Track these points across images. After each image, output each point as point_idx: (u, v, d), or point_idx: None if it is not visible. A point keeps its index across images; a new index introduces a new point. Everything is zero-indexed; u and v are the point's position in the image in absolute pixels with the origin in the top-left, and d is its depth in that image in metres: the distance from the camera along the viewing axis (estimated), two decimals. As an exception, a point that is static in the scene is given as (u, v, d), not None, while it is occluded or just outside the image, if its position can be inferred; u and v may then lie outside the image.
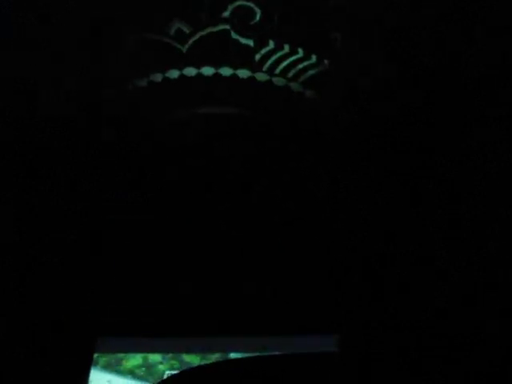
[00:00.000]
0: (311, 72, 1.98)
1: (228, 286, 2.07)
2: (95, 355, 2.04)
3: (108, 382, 1.99)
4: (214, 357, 1.97)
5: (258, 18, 1.87)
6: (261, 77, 2.00)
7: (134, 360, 2.02)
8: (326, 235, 2.10)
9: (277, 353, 0.96)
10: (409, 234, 2.03)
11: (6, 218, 2.14)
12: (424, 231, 2.03)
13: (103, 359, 2.04)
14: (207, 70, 1.98)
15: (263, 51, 1.94)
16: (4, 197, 2.12)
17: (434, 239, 2.01)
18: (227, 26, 1.89)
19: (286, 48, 1.93)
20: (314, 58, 1.95)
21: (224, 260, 2.11)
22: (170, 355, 2.03)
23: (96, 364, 2.02)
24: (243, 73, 1.99)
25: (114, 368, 2.02)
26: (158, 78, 1.99)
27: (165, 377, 1.94)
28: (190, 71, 1.98)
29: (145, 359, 2.02)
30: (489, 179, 1.97)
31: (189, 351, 2.02)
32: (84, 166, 2.20)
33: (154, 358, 2.03)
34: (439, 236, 2.02)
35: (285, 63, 1.96)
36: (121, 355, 2.05)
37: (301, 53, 1.94)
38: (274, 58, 1.96)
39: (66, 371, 1.99)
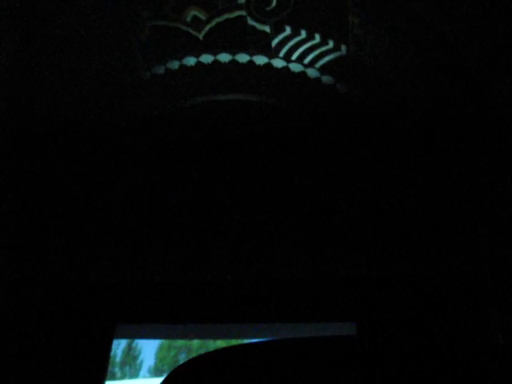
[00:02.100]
0: (328, 58, 1.97)
1: (244, 273, 2.08)
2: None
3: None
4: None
5: (274, 3, 1.86)
6: (277, 63, 1.99)
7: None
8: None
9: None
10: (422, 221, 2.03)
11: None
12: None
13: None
14: (224, 57, 1.98)
15: (280, 37, 1.93)
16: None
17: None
18: (243, 13, 1.88)
19: (303, 34, 1.92)
20: (331, 44, 1.94)
21: (239, 245, 2.11)
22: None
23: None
24: (260, 59, 1.98)
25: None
26: (174, 65, 2.00)
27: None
28: (207, 58, 1.98)
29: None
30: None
31: (210, 337, 2.03)
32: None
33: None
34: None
35: (301, 49, 1.96)
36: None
37: (318, 38, 1.93)
38: (290, 43, 1.95)
39: (86, 358, 2.01)
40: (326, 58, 1.98)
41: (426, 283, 1.95)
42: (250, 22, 1.90)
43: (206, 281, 2.05)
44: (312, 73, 2.01)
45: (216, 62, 1.99)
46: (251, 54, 1.98)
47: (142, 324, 2.09)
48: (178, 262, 2.09)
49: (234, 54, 1.98)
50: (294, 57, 1.98)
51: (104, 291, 2.13)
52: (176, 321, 2.05)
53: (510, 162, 1.95)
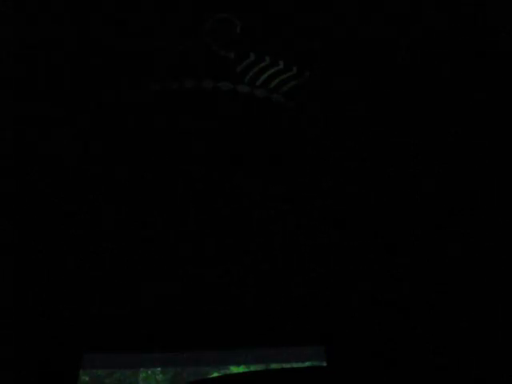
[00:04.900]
0: (292, 83, 2.00)
1: (216, 299, 2.06)
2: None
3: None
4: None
5: (238, 30, 1.89)
6: (242, 88, 2.01)
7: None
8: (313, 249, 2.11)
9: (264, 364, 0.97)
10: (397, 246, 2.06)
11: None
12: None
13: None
14: (189, 83, 1.99)
15: (244, 63, 1.96)
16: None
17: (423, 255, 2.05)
18: (208, 39, 1.90)
19: (267, 60, 1.95)
20: (294, 70, 1.97)
21: (212, 272, 2.10)
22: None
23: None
24: (224, 85, 2.00)
25: None
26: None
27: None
28: (172, 84, 1.99)
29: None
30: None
31: (180, 365, 2.00)
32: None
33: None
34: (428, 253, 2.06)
35: (266, 75, 1.98)
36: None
37: (281, 64, 1.96)
38: (254, 69, 1.97)
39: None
40: (290, 84, 2.00)
41: (389, 299, 1.97)
42: (215, 48, 1.92)
43: (172, 307, 2.03)
44: (276, 98, 2.04)
45: (181, 87, 2.00)
46: (216, 80, 2.00)
47: (111, 353, 2.05)
48: (145, 290, 2.07)
49: (199, 80, 1.99)
50: (258, 82, 2.00)
51: (70, 319, 2.08)
52: (144, 350, 2.02)
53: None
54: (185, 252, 2.14)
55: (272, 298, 2.00)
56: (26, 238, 2.21)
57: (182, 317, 2.05)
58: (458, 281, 1.99)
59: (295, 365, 1.91)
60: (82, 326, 2.07)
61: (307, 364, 1.88)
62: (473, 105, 2.05)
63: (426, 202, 2.13)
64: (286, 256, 2.09)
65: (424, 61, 2.01)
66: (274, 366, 1.91)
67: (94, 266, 2.15)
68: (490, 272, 1.95)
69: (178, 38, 1.91)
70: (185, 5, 1.92)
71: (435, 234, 2.07)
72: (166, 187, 2.20)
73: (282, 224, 2.18)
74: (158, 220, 2.19)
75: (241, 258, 2.11)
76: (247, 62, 1.95)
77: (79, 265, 2.16)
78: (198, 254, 2.13)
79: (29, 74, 2.00)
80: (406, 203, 2.13)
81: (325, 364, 1.83)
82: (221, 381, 0.94)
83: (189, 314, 2.05)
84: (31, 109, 2.05)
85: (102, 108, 2.05)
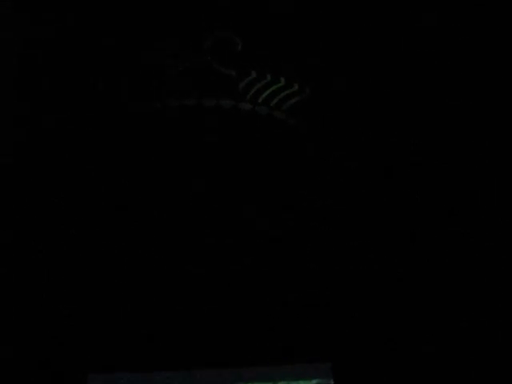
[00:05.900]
0: (293, 100, 2.00)
1: (217, 319, 2.06)
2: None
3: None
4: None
5: (239, 48, 1.89)
6: (244, 106, 2.01)
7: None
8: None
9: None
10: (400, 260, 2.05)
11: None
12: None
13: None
14: (190, 101, 1.99)
15: (246, 81, 1.96)
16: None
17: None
18: (209, 57, 1.90)
19: (268, 77, 1.95)
20: (295, 86, 1.97)
21: (210, 290, 2.10)
22: None
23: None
24: (226, 103, 2.00)
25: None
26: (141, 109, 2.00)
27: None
28: (174, 102, 1.99)
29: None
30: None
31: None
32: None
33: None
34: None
35: (267, 92, 1.98)
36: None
37: (283, 81, 1.96)
38: (256, 87, 1.98)
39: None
40: (292, 101, 2.00)
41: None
42: (216, 66, 1.92)
43: (176, 326, 2.03)
44: (278, 115, 2.04)
45: (183, 105, 2.00)
46: (218, 98, 2.00)
47: (116, 373, 2.04)
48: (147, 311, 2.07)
49: (200, 97, 1.99)
50: (260, 100, 2.00)
51: (75, 339, 2.08)
52: (147, 369, 2.01)
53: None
54: (188, 269, 2.14)
55: (277, 314, 2.00)
56: (29, 256, 2.20)
57: (186, 335, 2.04)
58: (460, 282, 1.99)
59: (302, 382, 1.91)
60: (85, 347, 2.06)
61: (314, 382, 1.87)
62: (472, 105, 2.05)
63: (425, 202, 2.12)
64: (290, 271, 2.09)
65: (423, 67, 2.02)
66: (281, 384, 1.90)
67: (96, 288, 2.14)
68: (490, 272, 1.95)
69: (180, 56, 1.92)
70: (185, 24, 1.92)
71: (435, 235, 2.07)
72: (166, 196, 2.19)
73: (284, 233, 2.17)
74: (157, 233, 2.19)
75: (245, 275, 2.11)
76: (249, 80, 1.96)
77: (80, 285, 2.15)
78: (201, 271, 2.12)
79: (30, 75, 2.01)
80: (406, 204, 2.13)
81: (332, 382, 1.83)
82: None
83: (193, 333, 2.04)
84: (31, 109, 2.05)
85: (103, 115, 2.04)
